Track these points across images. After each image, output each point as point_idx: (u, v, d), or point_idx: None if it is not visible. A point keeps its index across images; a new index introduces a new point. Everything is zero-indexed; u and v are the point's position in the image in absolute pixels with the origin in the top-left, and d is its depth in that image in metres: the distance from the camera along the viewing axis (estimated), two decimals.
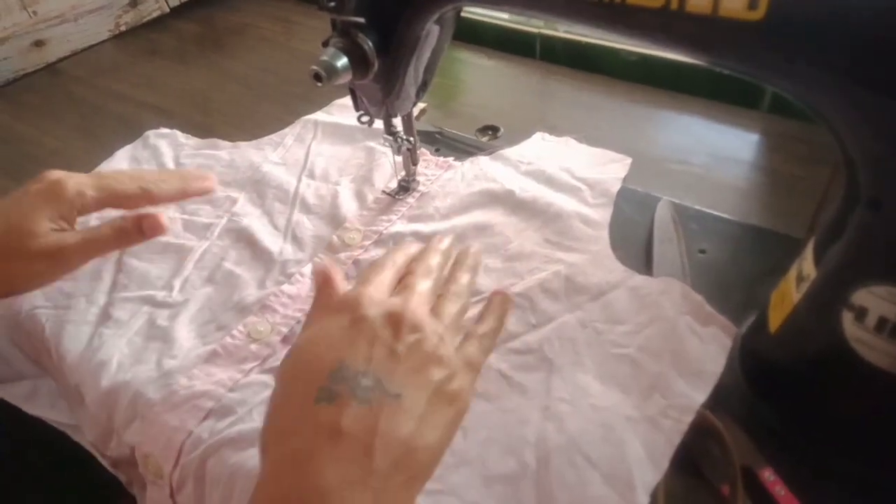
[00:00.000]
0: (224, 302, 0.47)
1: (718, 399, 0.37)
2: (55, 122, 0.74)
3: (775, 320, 0.37)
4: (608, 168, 0.55)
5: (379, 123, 0.50)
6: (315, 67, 0.38)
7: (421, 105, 0.65)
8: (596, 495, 0.33)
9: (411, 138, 0.51)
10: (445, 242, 0.37)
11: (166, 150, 0.63)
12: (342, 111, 0.66)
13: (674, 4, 0.28)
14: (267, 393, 0.38)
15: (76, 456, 0.50)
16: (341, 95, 0.66)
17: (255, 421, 0.38)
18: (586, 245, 0.47)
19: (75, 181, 0.39)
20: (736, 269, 0.46)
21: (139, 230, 0.41)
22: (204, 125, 0.71)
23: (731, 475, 0.34)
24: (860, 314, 0.31)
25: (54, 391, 0.47)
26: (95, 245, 0.40)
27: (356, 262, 0.49)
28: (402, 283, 0.35)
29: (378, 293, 0.33)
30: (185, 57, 0.87)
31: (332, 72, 0.38)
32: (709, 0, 0.27)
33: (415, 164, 0.54)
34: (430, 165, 0.58)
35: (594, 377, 0.39)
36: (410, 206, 0.54)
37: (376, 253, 0.50)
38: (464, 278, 0.36)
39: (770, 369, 0.38)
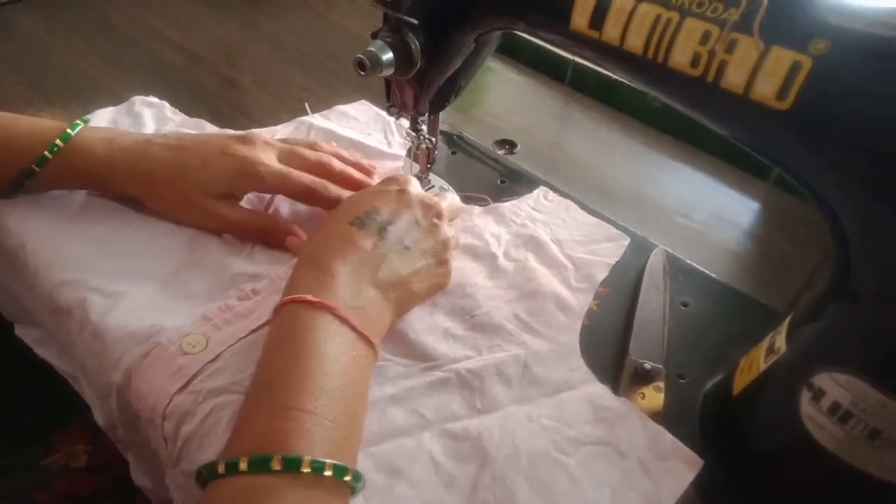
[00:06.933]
0: (165, 305, 0.43)
1: None
2: (86, 43, 0.75)
3: (739, 384, 0.39)
4: (601, 248, 0.52)
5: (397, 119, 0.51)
6: (360, 56, 0.39)
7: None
8: None
9: (433, 139, 0.53)
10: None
11: (149, 121, 0.60)
12: (341, 119, 0.64)
13: (710, 77, 0.30)
14: (188, 428, 0.36)
15: (35, 369, 0.51)
16: (369, 84, 0.66)
17: (185, 463, 0.36)
18: (555, 334, 0.45)
19: (265, 168, 0.47)
20: (713, 329, 0.48)
21: (280, 241, 0.47)
22: (230, 78, 0.72)
23: None
24: (818, 395, 0.33)
25: (64, 341, 0.48)
26: (240, 229, 0.48)
27: None
28: (438, 195, 0.48)
29: (420, 186, 0.46)
30: (223, 7, 0.87)
31: (376, 63, 0.39)
32: (742, 81, 0.29)
33: (430, 163, 0.55)
34: None
35: (526, 480, 0.36)
36: None
37: None
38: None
39: (726, 428, 0.40)
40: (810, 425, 0.33)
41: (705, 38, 0.30)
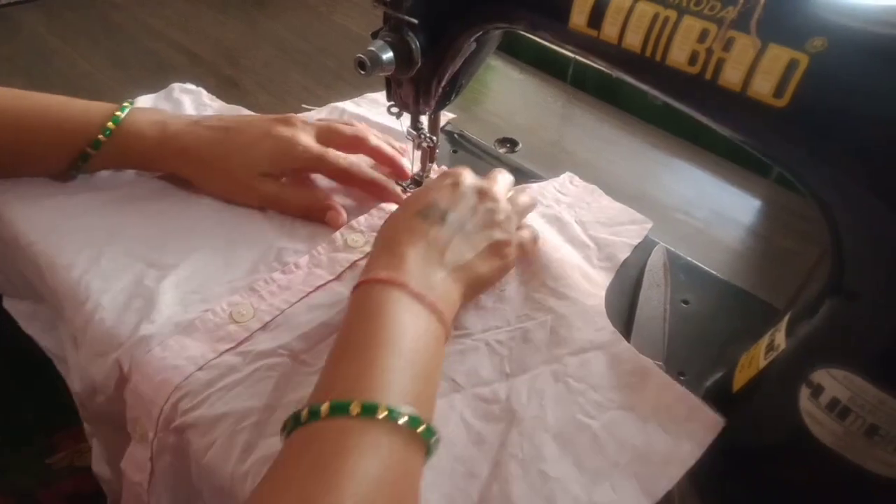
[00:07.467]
0: (214, 275, 0.46)
1: None
2: (89, 44, 0.75)
3: (739, 381, 0.39)
4: (624, 230, 0.54)
5: (405, 117, 0.51)
6: (361, 56, 0.39)
7: (450, 115, 0.66)
8: None
9: (434, 138, 0.53)
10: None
11: (188, 107, 0.62)
12: (371, 105, 0.66)
13: (708, 75, 0.30)
14: (231, 378, 0.39)
15: (39, 367, 0.51)
16: (370, 84, 0.66)
17: (215, 408, 0.38)
18: (582, 297, 0.46)
19: (303, 149, 0.50)
20: (713, 326, 0.48)
21: (321, 216, 0.51)
22: (231, 78, 0.72)
23: None
24: (816, 391, 0.33)
25: (53, 318, 0.48)
26: (284, 205, 0.51)
27: (353, 266, 0.48)
28: (488, 176, 0.48)
29: (473, 175, 0.47)
30: (226, 7, 0.87)
31: (376, 63, 0.40)
32: (740, 78, 0.29)
33: (431, 161, 0.55)
34: None
35: (552, 437, 0.38)
36: None
37: None
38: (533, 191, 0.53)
39: (725, 425, 0.41)
40: (809, 421, 0.33)
41: (703, 35, 0.30)
